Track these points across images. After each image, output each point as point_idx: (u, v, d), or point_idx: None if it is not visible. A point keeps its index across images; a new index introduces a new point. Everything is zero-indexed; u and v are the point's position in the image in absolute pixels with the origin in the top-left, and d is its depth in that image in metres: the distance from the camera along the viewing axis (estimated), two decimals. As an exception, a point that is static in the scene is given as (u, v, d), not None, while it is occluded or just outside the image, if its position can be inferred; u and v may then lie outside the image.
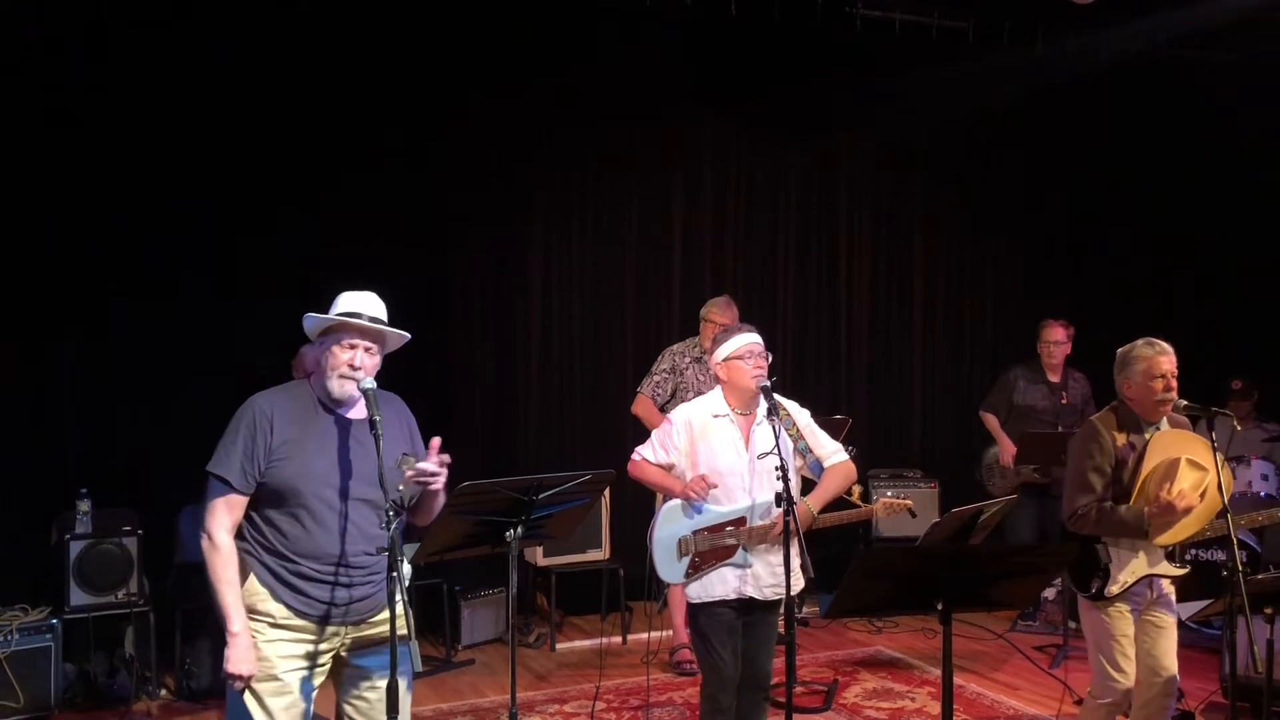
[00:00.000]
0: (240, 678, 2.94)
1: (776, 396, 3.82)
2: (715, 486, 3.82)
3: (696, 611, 3.92)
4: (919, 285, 7.90)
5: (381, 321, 3.11)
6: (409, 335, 3.15)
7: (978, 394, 7.21)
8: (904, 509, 4.21)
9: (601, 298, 7.04)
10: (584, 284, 6.99)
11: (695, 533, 3.86)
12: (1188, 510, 3.71)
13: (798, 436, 3.93)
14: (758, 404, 3.89)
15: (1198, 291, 8.20)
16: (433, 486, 3.12)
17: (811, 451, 3.97)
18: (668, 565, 3.91)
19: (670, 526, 3.91)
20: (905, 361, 7.93)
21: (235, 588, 2.98)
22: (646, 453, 4.00)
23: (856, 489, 4.10)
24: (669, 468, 3.95)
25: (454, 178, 6.51)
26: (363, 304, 3.12)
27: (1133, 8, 6.86)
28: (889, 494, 4.24)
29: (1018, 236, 8.06)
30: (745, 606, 3.89)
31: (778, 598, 3.89)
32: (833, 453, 4.00)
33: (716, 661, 3.86)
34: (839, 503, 4.08)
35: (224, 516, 2.99)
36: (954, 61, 7.11)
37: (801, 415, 3.99)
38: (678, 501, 3.90)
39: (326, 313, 3.08)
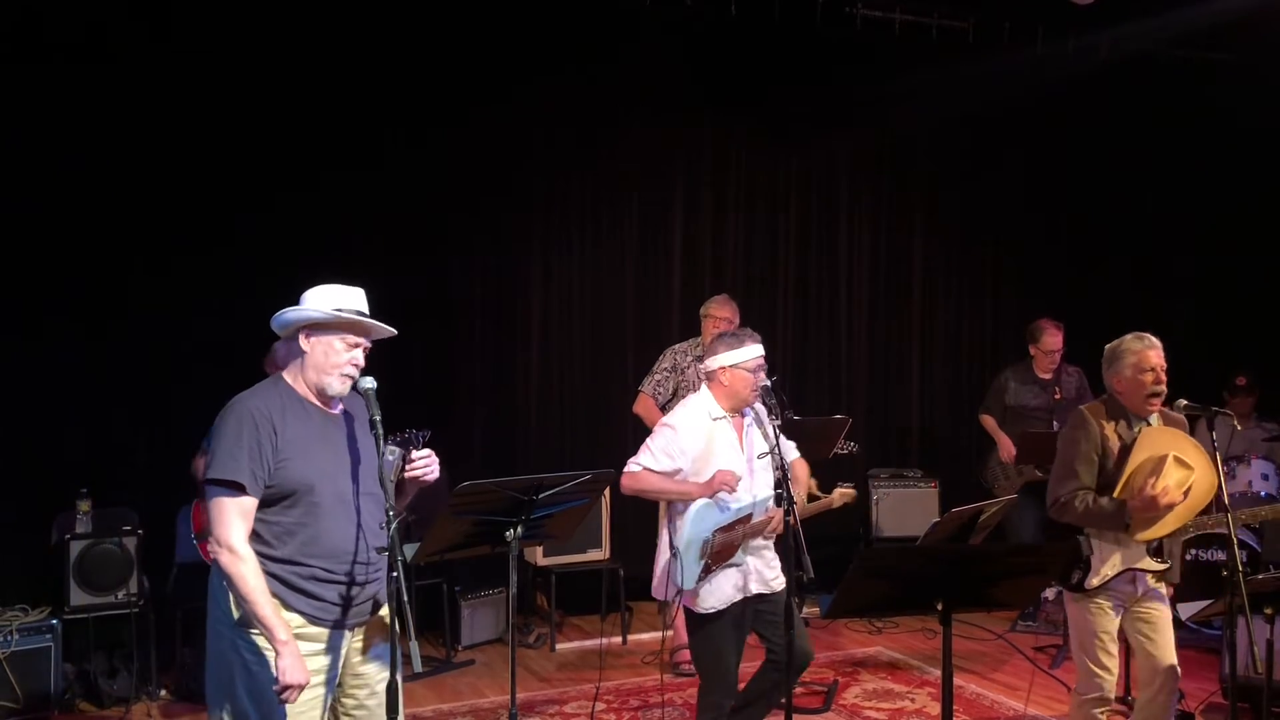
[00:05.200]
0: (298, 687, 2.80)
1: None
2: (740, 479, 3.81)
3: (703, 619, 3.85)
4: (919, 285, 7.90)
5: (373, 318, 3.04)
6: (395, 331, 3.07)
7: (977, 394, 7.20)
8: (850, 494, 4.80)
9: (601, 298, 7.03)
10: (584, 284, 6.99)
11: (714, 532, 3.81)
12: (1170, 506, 3.69)
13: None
14: (745, 407, 3.95)
15: (1198, 291, 8.20)
16: (428, 477, 3.09)
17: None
18: (691, 568, 3.81)
19: (700, 525, 3.83)
20: (905, 361, 7.93)
21: (269, 596, 2.82)
22: (648, 462, 3.86)
23: (812, 481, 4.44)
24: (674, 474, 3.87)
25: (453, 178, 6.50)
26: (358, 301, 3.02)
27: (1133, 8, 6.87)
28: (844, 485, 4.82)
29: (1018, 237, 8.05)
30: (747, 604, 3.89)
31: (782, 585, 3.92)
32: (791, 447, 4.14)
33: (726, 666, 3.84)
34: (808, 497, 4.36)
35: (239, 524, 2.82)
36: (954, 61, 7.12)
37: (763, 413, 4.05)
38: (705, 502, 3.83)
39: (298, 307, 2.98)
